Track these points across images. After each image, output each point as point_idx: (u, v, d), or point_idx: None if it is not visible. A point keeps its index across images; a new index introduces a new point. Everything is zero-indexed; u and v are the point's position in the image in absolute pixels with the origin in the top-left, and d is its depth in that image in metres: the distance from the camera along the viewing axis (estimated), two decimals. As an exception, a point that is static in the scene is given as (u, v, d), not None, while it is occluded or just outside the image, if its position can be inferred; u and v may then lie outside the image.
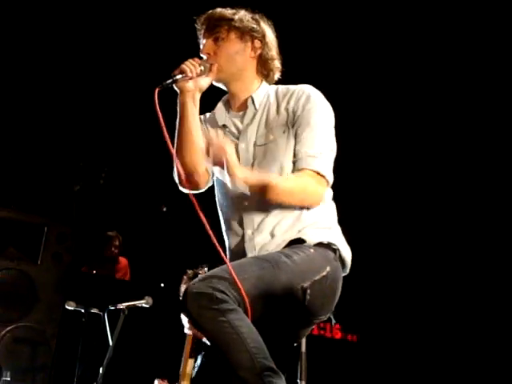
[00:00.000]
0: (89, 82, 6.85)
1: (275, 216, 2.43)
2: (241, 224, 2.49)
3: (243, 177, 2.29)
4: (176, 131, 2.52)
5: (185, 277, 4.37)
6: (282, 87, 2.62)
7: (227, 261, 2.20)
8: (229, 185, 2.35)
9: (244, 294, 2.11)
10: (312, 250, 2.36)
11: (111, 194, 7.39)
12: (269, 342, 2.12)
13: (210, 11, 2.62)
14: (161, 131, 2.30)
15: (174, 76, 2.44)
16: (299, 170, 2.43)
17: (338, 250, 2.44)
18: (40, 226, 5.58)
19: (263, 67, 2.62)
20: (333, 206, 2.56)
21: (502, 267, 6.96)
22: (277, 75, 2.68)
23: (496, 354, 6.77)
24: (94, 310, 4.74)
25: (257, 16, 2.64)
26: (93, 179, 6.82)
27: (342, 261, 2.47)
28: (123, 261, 7.30)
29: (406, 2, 6.15)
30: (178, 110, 2.53)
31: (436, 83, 6.75)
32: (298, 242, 2.40)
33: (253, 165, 2.49)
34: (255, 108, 2.57)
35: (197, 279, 2.15)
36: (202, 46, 2.60)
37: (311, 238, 2.40)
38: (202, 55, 2.57)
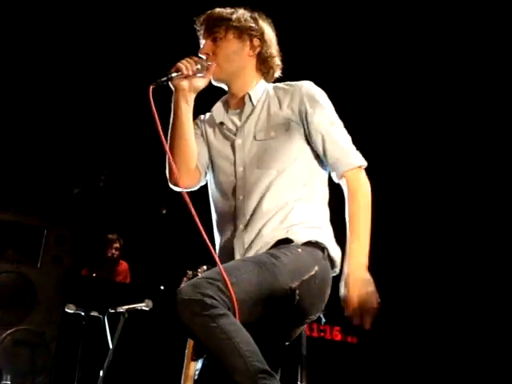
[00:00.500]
0: (88, 84, 6.85)
1: (266, 213, 2.43)
2: (233, 218, 2.49)
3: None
4: (169, 129, 2.54)
5: (185, 278, 4.37)
6: (281, 84, 2.63)
7: (219, 262, 2.20)
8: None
9: (234, 297, 2.11)
10: (300, 250, 2.36)
11: (111, 196, 7.39)
12: (260, 343, 2.12)
13: (209, 11, 2.63)
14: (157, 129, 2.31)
15: (170, 74, 2.43)
16: (342, 176, 2.50)
17: (326, 248, 2.44)
18: (40, 229, 5.57)
19: (263, 65, 2.64)
20: (324, 205, 2.56)
21: (500, 269, 6.96)
22: (277, 73, 2.69)
23: (496, 356, 6.76)
24: (94, 313, 4.73)
25: (255, 15, 2.65)
26: (92, 182, 6.81)
27: (331, 260, 2.47)
28: (124, 264, 7.29)
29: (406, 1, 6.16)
30: (172, 108, 2.53)
31: (435, 83, 6.75)
32: (285, 241, 2.39)
33: (250, 161, 2.50)
34: (252, 104, 2.57)
35: (184, 284, 2.16)
36: (201, 47, 2.60)
37: (299, 238, 2.39)
38: (200, 55, 2.57)
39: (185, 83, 2.48)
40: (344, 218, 2.53)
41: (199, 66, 2.48)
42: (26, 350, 5.26)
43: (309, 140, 2.52)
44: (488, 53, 6.36)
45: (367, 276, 2.41)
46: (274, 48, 2.65)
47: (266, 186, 2.45)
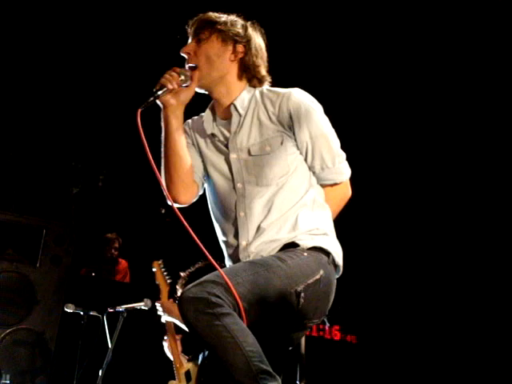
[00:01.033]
0: (87, 84, 6.85)
1: (271, 228, 2.44)
2: (236, 234, 2.49)
3: None
4: (162, 147, 2.52)
5: (179, 281, 4.39)
6: (268, 91, 2.58)
7: (218, 267, 2.20)
8: None
9: (238, 298, 2.11)
10: (305, 254, 2.37)
11: (110, 196, 7.39)
12: (264, 345, 2.13)
13: (201, 14, 2.61)
14: (152, 142, 2.34)
15: (156, 92, 2.41)
16: (325, 186, 2.60)
17: (331, 254, 2.44)
18: (39, 229, 5.58)
19: (245, 72, 2.57)
20: (326, 209, 2.56)
21: (501, 268, 6.96)
22: (265, 84, 2.62)
23: (495, 355, 6.76)
24: (93, 313, 4.74)
25: (247, 23, 2.60)
26: (91, 182, 6.81)
27: (335, 265, 2.48)
28: (123, 262, 7.30)
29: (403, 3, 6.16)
30: (162, 125, 2.52)
31: (434, 83, 6.75)
32: (291, 245, 2.40)
33: (249, 178, 2.48)
34: (239, 114, 2.53)
35: (191, 284, 2.15)
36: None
37: (305, 243, 2.40)
38: (182, 54, 2.55)
39: (172, 99, 2.46)
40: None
41: (183, 77, 2.46)
42: (26, 350, 5.27)
43: (299, 149, 2.52)
44: (485, 53, 6.36)
45: None
46: (260, 57, 2.59)
47: (267, 202, 2.46)
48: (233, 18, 2.58)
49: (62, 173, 6.84)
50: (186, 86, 2.49)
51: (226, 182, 2.54)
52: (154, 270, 4.71)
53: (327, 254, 2.43)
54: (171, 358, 4.41)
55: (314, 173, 2.55)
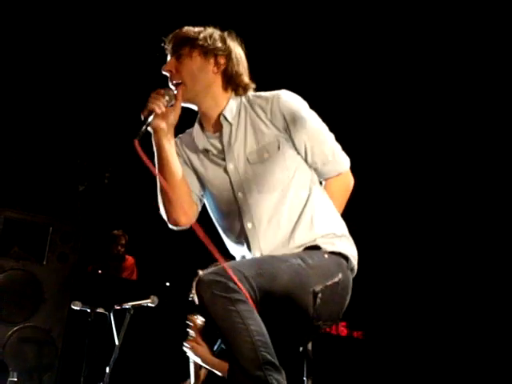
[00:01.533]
0: (93, 81, 6.85)
1: (284, 235, 2.44)
2: (248, 244, 2.49)
3: None
4: (157, 171, 2.51)
5: (195, 278, 4.34)
6: (254, 96, 2.58)
7: (223, 261, 2.20)
8: None
9: (254, 285, 2.15)
10: (326, 256, 2.39)
11: (116, 193, 7.39)
12: (275, 341, 2.14)
13: (177, 30, 2.60)
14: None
15: (146, 119, 2.39)
16: (329, 179, 2.60)
17: (350, 259, 2.46)
18: (45, 226, 5.58)
19: (229, 83, 2.56)
20: (333, 206, 2.56)
21: (506, 263, 6.95)
22: (249, 91, 2.61)
23: (501, 351, 6.75)
24: (100, 310, 4.74)
25: (224, 34, 2.59)
26: (97, 179, 6.81)
27: (352, 269, 2.50)
28: (130, 259, 7.31)
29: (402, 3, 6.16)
30: (156, 150, 2.51)
31: (434, 83, 6.74)
32: (313, 248, 2.41)
33: (249, 186, 2.48)
34: (230, 124, 2.52)
35: (210, 269, 2.18)
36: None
37: (326, 246, 2.41)
38: (163, 72, 2.55)
39: (162, 123, 2.45)
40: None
41: (167, 98, 2.44)
42: (33, 347, 5.28)
43: (298, 151, 2.52)
44: (484, 53, 6.35)
45: None
46: (241, 66, 2.58)
47: (274, 209, 2.45)
48: (210, 30, 2.58)
49: (68, 170, 6.85)
50: (172, 106, 2.47)
51: (226, 194, 2.53)
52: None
53: (346, 258, 2.44)
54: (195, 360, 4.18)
55: (315, 170, 2.55)
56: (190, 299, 4.30)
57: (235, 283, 2.09)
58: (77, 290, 5.45)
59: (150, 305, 4.60)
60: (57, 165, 7.14)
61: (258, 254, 2.44)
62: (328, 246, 2.41)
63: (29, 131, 7.09)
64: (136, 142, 2.36)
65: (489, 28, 6.16)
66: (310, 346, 2.60)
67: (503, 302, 6.90)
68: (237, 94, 2.58)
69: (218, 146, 2.54)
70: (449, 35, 6.31)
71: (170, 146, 2.49)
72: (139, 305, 4.60)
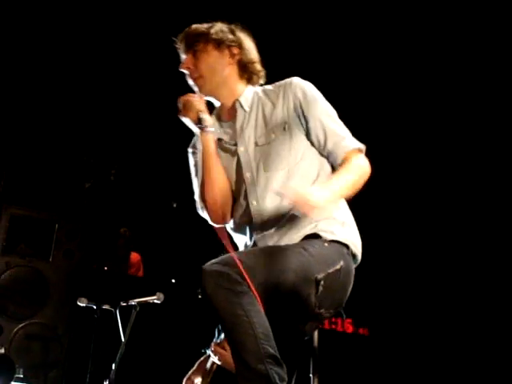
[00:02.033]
0: (99, 79, 6.85)
1: (285, 215, 2.46)
2: (250, 223, 2.54)
3: (325, 201, 2.23)
4: (203, 172, 2.59)
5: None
6: (269, 86, 2.70)
7: (232, 252, 2.24)
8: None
9: (251, 282, 2.14)
10: (326, 244, 2.40)
11: (121, 190, 7.40)
12: (278, 333, 2.16)
13: (187, 28, 2.72)
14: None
15: (200, 120, 2.54)
16: (343, 158, 2.50)
17: (350, 246, 2.47)
18: (51, 223, 5.60)
19: (244, 71, 2.69)
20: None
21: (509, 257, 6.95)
22: (262, 79, 2.74)
23: (506, 349, 6.75)
24: (106, 307, 4.74)
25: (232, 26, 2.72)
26: (103, 176, 6.82)
27: (354, 256, 2.50)
28: (136, 256, 7.31)
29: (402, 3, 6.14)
30: (205, 148, 2.58)
31: (432, 81, 6.73)
32: (313, 236, 2.42)
33: (257, 166, 2.54)
34: (244, 110, 2.63)
35: (216, 260, 2.19)
36: (182, 62, 2.69)
37: (326, 235, 2.42)
38: (181, 70, 2.66)
39: (210, 120, 2.59)
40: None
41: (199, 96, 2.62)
42: (39, 344, 5.30)
43: (309, 134, 2.55)
44: (487, 53, 6.34)
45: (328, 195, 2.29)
46: (253, 55, 2.71)
47: (279, 186, 2.48)
48: (220, 24, 2.71)
49: (74, 168, 6.85)
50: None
51: (236, 177, 2.60)
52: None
53: (347, 245, 2.45)
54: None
55: (328, 153, 2.54)
56: (200, 297, 4.32)
57: (240, 273, 2.10)
58: (82, 287, 5.47)
59: (155, 301, 4.60)
60: (63, 162, 7.14)
61: (260, 234, 2.49)
62: (328, 234, 2.43)
63: (35, 128, 7.10)
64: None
65: (491, 27, 6.15)
66: (315, 342, 2.60)
67: (507, 297, 6.88)
68: (251, 81, 2.70)
69: (231, 132, 2.65)
70: (449, 35, 6.30)
71: (214, 143, 2.59)
72: (145, 301, 4.60)
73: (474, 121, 6.86)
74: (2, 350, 5.00)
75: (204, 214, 2.62)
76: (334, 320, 6.59)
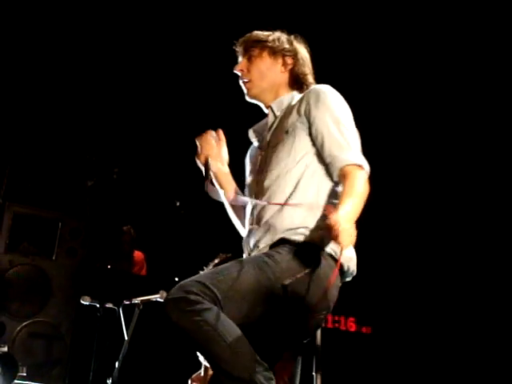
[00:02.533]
0: (102, 77, 6.86)
1: (268, 215, 2.50)
2: (249, 219, 2.64)
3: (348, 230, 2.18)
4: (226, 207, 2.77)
5: (215, 260, 4.37)
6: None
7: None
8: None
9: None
10: (296, 248, 2.37)
11: (125, 188, 7.40)
12: (270, 342, 2.22)
13: (248, 34, 2.81)
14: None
15: (207, 165, 2.65)
16: (340, 171, 2.42)
17: (324, 247, 2.39)
18: (54, 222, 5.60)
19: (295, 81, 2.74)
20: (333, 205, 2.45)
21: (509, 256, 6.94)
22: None
23: (508, 345, 6.74)
24: (109, 305, 4.75)
25: (291, 37, 2.79)
26: (106, 174, 6.82)
27: (332, 257, 2.41)
28: (139, 254, 7.31)
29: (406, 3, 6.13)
30: (220, 191, 2.74)
31: (434, 83, 6.73)
32: (281, 242, 2.42)
33: (263, 166, 2.61)
34: (275, 115, 2.70)
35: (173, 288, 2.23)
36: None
37: (297, 238, 2.40)
38: (235, 71, 2.75)
39: (218, 163, 2.72)
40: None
41: (214, 135, 2.74)
42: (42, 342, 5.31)
43: (312, 139, 2.53)
44: (488, 53, 6.33)
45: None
46: (307, 67, 2.77)
47: (266, 188, 2.54)
48: (278, 33, 2.79)
49: (77, 166, 6.85)
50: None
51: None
52: None
53: (320, 248, 2.39)
54: None
55: (327, 163, 2.47)
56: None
57: (198, 290, 2.15)
58: (86, 285, 5.47)
59: (159, 300, 4.60)
60: (66, 160, 7.14)
61: (250, 227, 2.57)
62: (298, 236, 2.39)
63: (38, 127, 7.10)
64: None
65: (491, 27, 6.15)
66: (318, 341, 2.60)
67: (508, 296, 6.88)
68: (300, 91, 2.73)
69: (260, 136, 2.77)
70: (449, 34, 6.30)
71: (227, 178, 2.75)
72: (148, 300, 4.60)
73: (474, 121, 6.86)
74: (5, 349, 4.98)
75: None
76: (337, 319, 6.60)
